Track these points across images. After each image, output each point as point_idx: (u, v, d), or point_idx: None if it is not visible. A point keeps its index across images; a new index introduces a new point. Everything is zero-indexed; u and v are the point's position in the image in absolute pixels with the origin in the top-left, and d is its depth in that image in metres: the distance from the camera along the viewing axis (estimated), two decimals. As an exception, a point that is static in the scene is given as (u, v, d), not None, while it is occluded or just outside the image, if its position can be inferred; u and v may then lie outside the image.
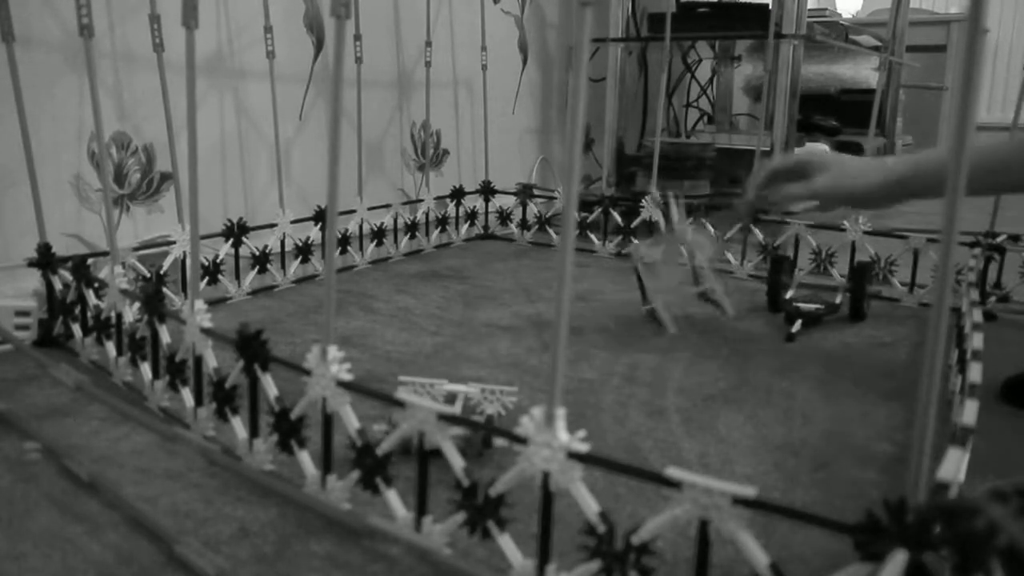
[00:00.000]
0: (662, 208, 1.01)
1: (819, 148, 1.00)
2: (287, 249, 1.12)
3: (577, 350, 0.88)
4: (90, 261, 0.80)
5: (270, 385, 0.55)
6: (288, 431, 0.54)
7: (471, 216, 1.51)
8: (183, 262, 0.96)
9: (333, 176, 0.49)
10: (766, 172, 0.91)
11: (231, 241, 1.04)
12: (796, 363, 0.86)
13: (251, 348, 0.55)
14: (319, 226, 1.16)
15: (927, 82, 2.43)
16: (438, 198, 1.44)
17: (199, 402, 0.63)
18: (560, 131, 1.91)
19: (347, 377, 0.51)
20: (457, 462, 0.46)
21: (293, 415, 0.54)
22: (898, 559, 0.33)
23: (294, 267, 1.13)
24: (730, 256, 1.25)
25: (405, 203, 1.38)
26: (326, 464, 0.53)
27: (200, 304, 0.61)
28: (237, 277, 1.06)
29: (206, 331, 0.61)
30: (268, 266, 1.08)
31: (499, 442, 0.61)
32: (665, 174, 1.49)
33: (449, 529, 0.47)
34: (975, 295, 0.88)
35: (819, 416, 0.72)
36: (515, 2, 1.72)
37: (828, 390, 0.79)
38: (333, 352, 0.51)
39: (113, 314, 0.74)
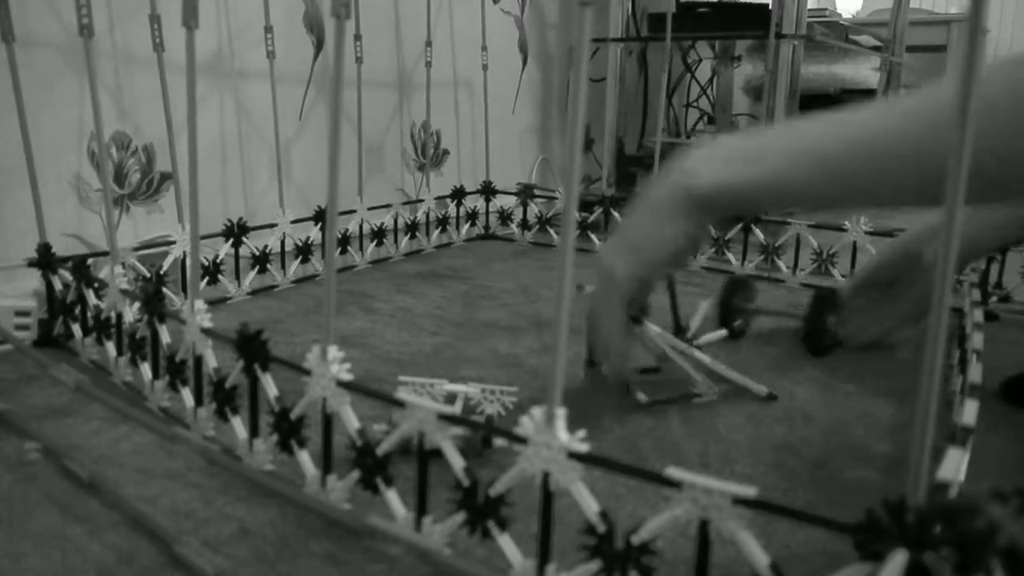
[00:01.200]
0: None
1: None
2: (287, 249, 1.12)
3: (577, 350, 0.88)
4: (90, 261, 0.80)
5: (270, 385, 0.55)
6: (288, 431, 0.54)
7: (472, 216, 1.51)
8: (183, 262, 0.96)
9: (333, 176, 0.49)
10: (859, 284, 0.82)
11: (231, 241, 1.04)
12: (796, 363, 0.86)
13: (251, 348, 0.55)
14: (319, 226, 1.16)
15: (927, 82, 2.43)
16: (438, 198, 1.44)
17: (199, 402, 0.63)
18: (560, 131, 1.91)
19: (347, 377, 0.51)
20: (457, 462, 0.46)
21: (293, 415, 0.54)
22: (898, 559, 0.33)
23: (294, 267, 1.13)
24: (730, 256, 1.25)
25: (405, 203, 1.38)
26: (326, 464, 0.53)
27: (200, 304, 0.61)
28: (237, 277, 1.06)
29: (206, 331, 0.60)
30: (268, 266, 1.08)
31: (499, 442, 0.61)
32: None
33: (449, 529, 0.47)
34: (977, 295, 0.88)
35: (819, 416, 0.72)
36: (515, 2, 1.72)
37: (828, 390, 0.79)
38: (333, 352, 0.51)
39: (113, 314, 0.74)
